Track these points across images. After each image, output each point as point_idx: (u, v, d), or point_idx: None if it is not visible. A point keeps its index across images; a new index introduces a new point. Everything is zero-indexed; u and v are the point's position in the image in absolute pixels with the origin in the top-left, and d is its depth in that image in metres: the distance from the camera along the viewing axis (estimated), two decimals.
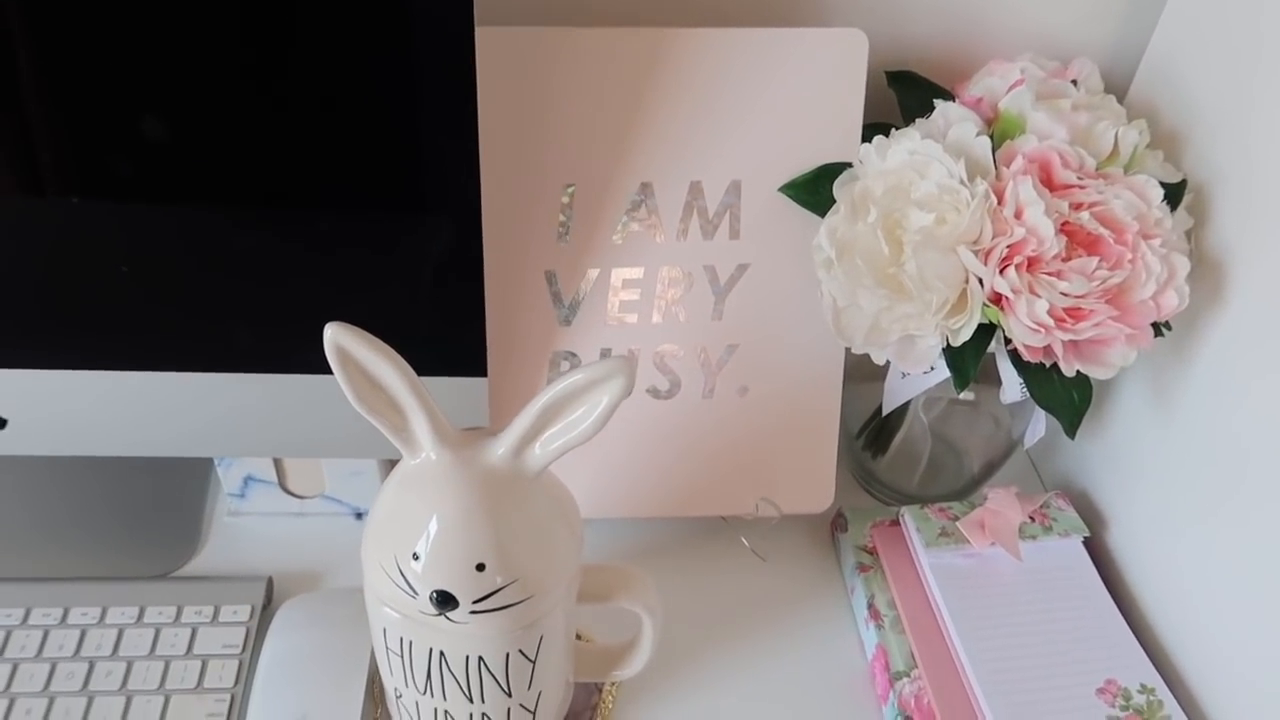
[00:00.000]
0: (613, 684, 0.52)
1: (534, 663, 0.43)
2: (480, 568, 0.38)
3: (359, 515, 0.60)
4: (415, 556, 0.39)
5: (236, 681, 0.50)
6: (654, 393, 0.56)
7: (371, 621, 0.44)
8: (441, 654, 0.41)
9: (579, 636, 0.55)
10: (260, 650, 0.51)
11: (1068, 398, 0.49)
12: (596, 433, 0.38)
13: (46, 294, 0.47)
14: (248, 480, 0.57)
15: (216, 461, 0.57)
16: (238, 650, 0.51)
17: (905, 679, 0.52)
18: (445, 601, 0.39)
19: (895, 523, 0.59)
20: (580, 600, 0.44)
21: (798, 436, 0.58)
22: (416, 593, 0.39)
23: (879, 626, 0.55)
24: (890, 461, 0.63)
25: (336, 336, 0.37)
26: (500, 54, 0.49)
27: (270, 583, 0.55)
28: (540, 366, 0.55)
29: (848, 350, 0.56)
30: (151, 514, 0.59)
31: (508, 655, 0.42)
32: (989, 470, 0.63)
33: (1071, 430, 0.50)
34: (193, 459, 0.61)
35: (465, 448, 0.40)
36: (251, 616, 0.52)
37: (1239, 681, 0.49)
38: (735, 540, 0.60)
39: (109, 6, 0.40)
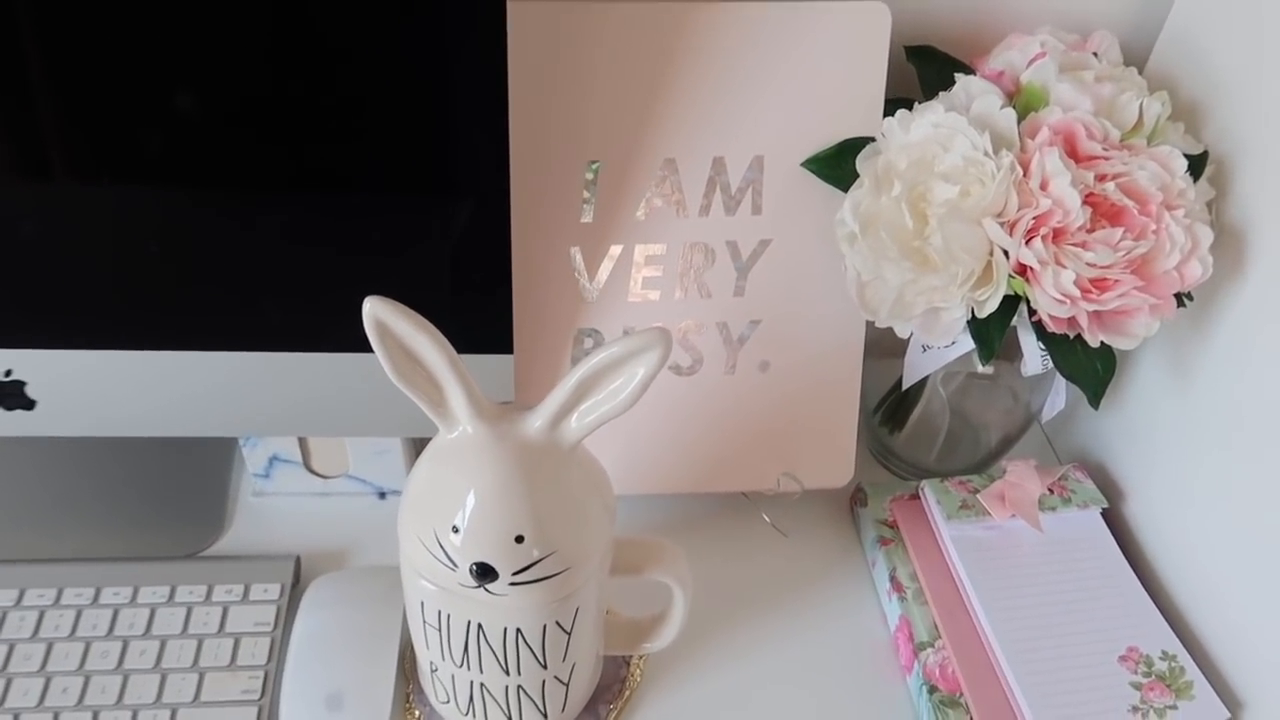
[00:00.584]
0: (640, 658, 0.53)
1: (569, 634, 0.43)
2: (519, 539, 0.39)
3: (383, 495, 0.60)
4: (455, 529, 0.39)
5: (269, 659, 0.50)
6: (676, 369, 0.56)
7: (408, 595, 0.44)
8: (480, 626, 0.42)
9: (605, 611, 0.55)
10: (291, 628, 0.51)
11: (1092, 368, 0.50)
12: (632, 405, 0.39)
13: (75, 274, 0.47)
14: (273, 460, 0.57)
15: (242, 442, 0.57)
16: (269, 628, 0.51)
17: (929, 649, 0.53)
18: (485, 573, 0.39)
19: (915, 496, 0.59)
20: (613, 573, 0.45)
21: (818, 411, 0.58)
22: (456, 565, 0.39)
23: (902, 598, 0.55)
24: (908, 436, 0.64)
25: (376, 310, 0.37)
26: (524, 30, 0.49)
27: (298, 561, 0.55)
28: (564, 344, 0.55)
29: (866, 326, 0.57)
30: (176, 495, 0.59)
31: (544, 627, 0.42)
32: (1006, 444, 0.64)
33: (1096, 400, 0.50)
34: (215, 440, 0.61)
35: (502, 421, 0.40)
36: (282, 595, 0.53)
37: (1257, 647, 0.50)
38: (756, 516, 0.61)
39: None
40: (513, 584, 0.39)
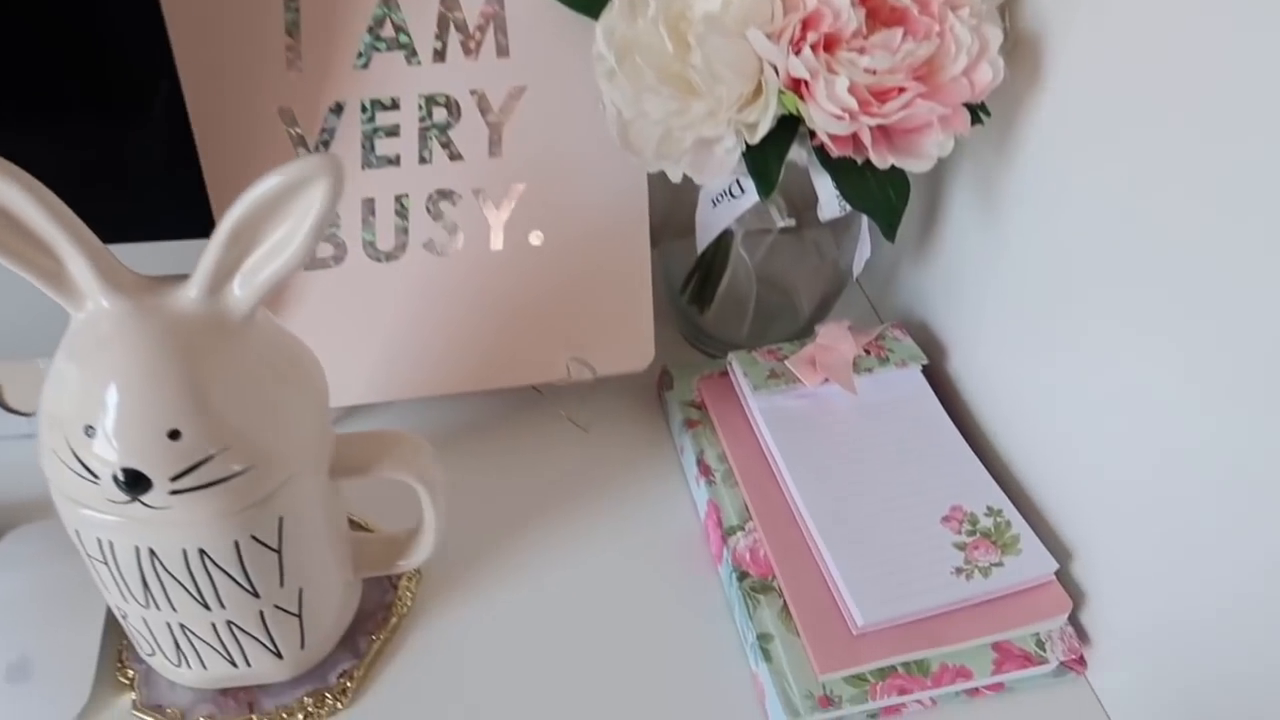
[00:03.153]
0: (412, 579, 0.46)
1: (279, 553, 0.36)
2: (174, 435, 0.31)
3: None
4: (89, 430, 0.31)
5: None
6: (431, 248, 0.48)
7: (67, 528, 0.35)
8: (151, 552, 0.34)
9: (361, 526, 0.48)
10: None
11: (884, 196, 0.44)
12: (306, 256, 0.31)
13: None
14: None
15: None
16: None
17: (739, 533, 0.47)
18: (135, 482, 0.31)
19: (725, 374, 0.54)
20: (335, 474, 0.37)
21: (608, 289, 0.52)
22: (98, 476, 0.31)
23: (710, 482, 0.49)
24: (718, 312, 0.58)
25: None
26: None
27: None
28: None
29: (658, 199, 0.51)
30: None
31: (237, 544, 0.34)
32: (824, 309, 0.58)
33: (890, 231, 0.45)
34: None
35: (146, 294, 0.32)
36: None
37: (1085, 494, 0.46)
38: (556, 413, 0.54)
39: None
40: (174, 493, 0.31)
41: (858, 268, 0.53)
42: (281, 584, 0.37)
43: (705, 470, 0.50)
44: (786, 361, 0.51)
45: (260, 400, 0.33)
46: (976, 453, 0.50)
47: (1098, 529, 0.45)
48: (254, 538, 0.34)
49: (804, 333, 0.59)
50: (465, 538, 0.48)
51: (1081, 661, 0.45)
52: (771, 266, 0.56)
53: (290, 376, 0.34)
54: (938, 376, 0.55)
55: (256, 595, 0.36)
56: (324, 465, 0.36)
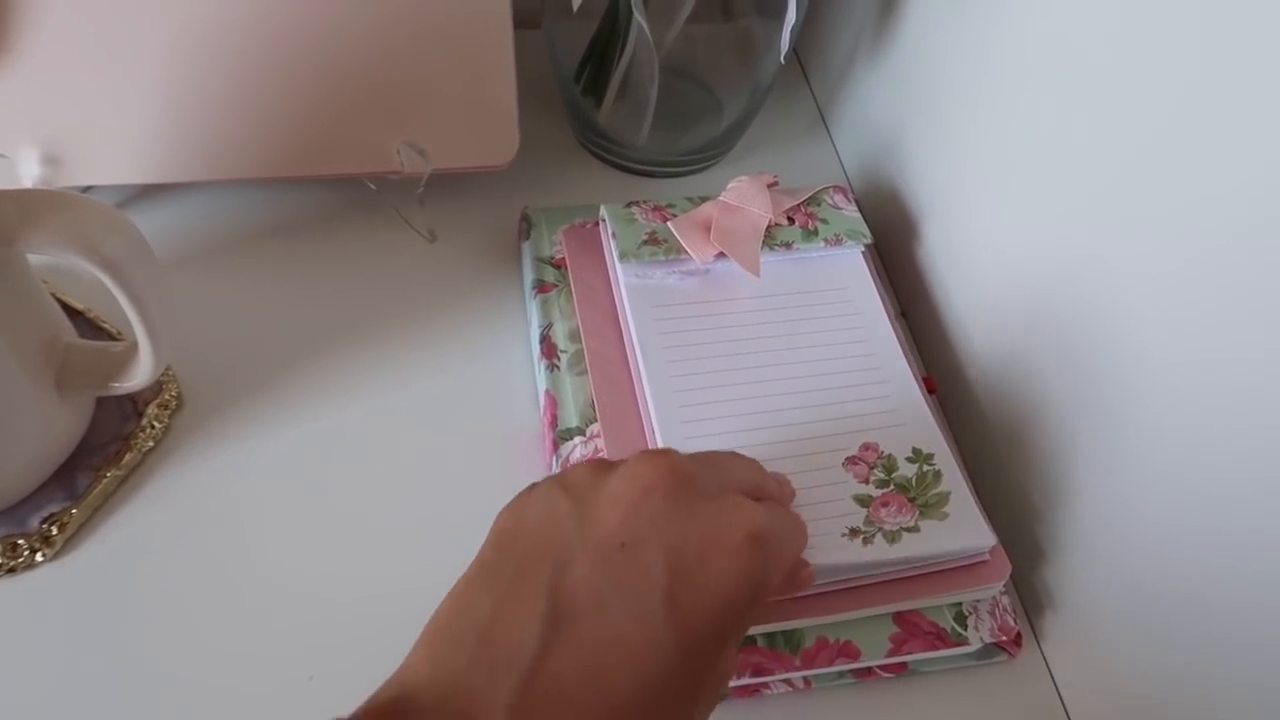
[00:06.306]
0: (166, 406, 0.35)
1: None
2: None
3: None
4: None
5: None
6: None
7: None
8: None
9: (108, 333, 0.36)
10: None
11: None
12: None
13: None
14: None
15: None
16: None
17: (577, 439, 0.35)
18: None
19: (598, 224, 0.40)
20: None
21: (454, 58, 0.38)
22: None
23: (552, 367, 0.37)
24: (614, 108, 0.44)
25: None
26: None
27: None
28: None
29: None
30: None
31: None
32: (751, 110, 0.45)
33: None
34: None
35: None
36: None
37: (1067, 440, 0.33)
38: (411, 218, 0.42)
39: None
40: None
41: (786, 42, 0.38)
42: None
43: (550, 350, 0.37)
44: (671, 224, 0.38)
45: None
46: (939, 373, 0.37)
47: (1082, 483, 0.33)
48: None
49: (724, 142, 0.46)
50: (252, 359, 0.37)
51: (1017, 642, 0.34)
52: (681, 46, 0.41)
53: None
54: (898, 257, 0.41)
55: None
56: None
